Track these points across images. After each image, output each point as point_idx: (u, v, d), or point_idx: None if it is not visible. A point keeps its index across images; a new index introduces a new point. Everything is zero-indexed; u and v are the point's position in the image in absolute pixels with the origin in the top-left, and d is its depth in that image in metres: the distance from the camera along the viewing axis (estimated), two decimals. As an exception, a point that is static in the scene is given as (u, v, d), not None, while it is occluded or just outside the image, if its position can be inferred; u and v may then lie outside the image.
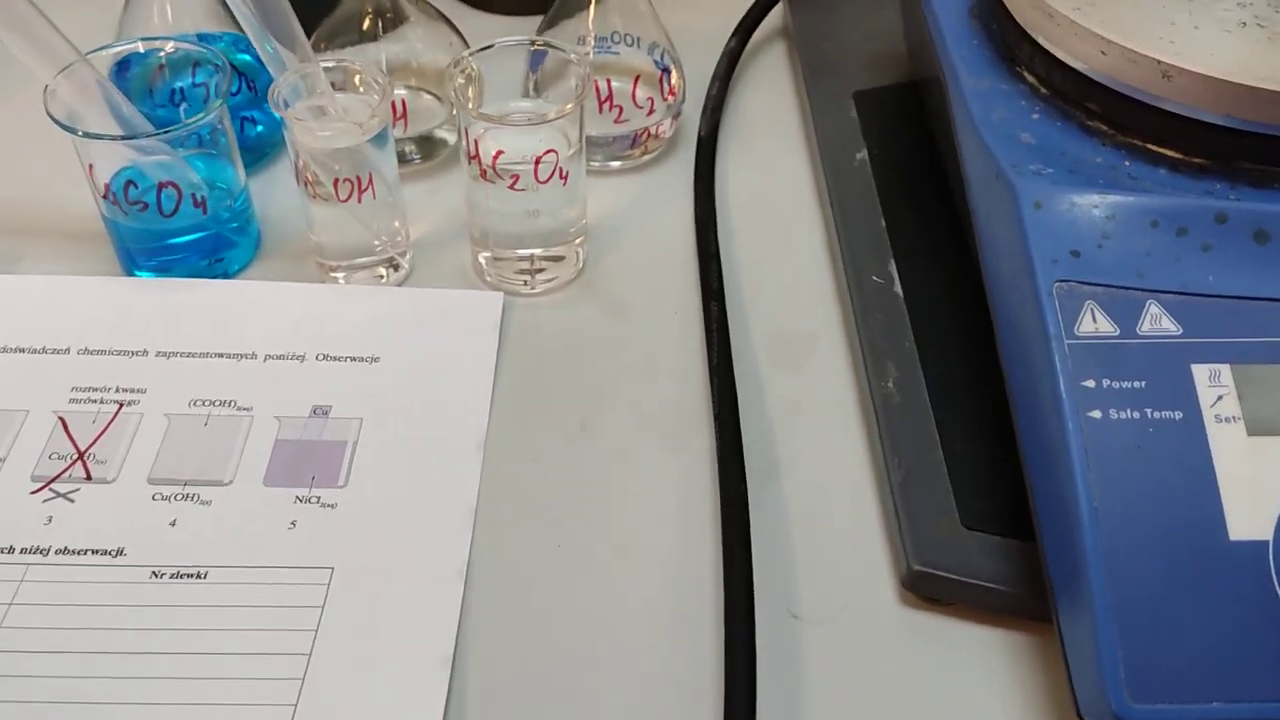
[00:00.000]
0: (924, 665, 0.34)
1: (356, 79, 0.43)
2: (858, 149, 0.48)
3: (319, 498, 0.38)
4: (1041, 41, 0.36)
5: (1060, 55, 0.35)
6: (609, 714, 0.33)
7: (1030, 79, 0.37)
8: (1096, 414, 0.30)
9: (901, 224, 0.45)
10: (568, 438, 0.40)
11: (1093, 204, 0.32)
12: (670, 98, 0.50)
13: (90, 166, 0.42)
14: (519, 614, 0.35)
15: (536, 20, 0.52)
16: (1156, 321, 0.31)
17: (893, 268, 0.43)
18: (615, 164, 0.51)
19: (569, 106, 0.41)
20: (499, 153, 0.41)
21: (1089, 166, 0.34)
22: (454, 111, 0.45)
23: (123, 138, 0.42)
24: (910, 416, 0.38)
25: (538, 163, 0.41)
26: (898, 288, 0.42)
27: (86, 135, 0.41)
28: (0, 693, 0.33)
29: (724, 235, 0.48)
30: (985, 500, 0.35)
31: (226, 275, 0.46)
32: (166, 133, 0.42)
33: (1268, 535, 0.29)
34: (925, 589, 0.35)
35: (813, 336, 0.44)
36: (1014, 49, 0.38)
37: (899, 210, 0.45)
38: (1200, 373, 0.30)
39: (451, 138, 0.51)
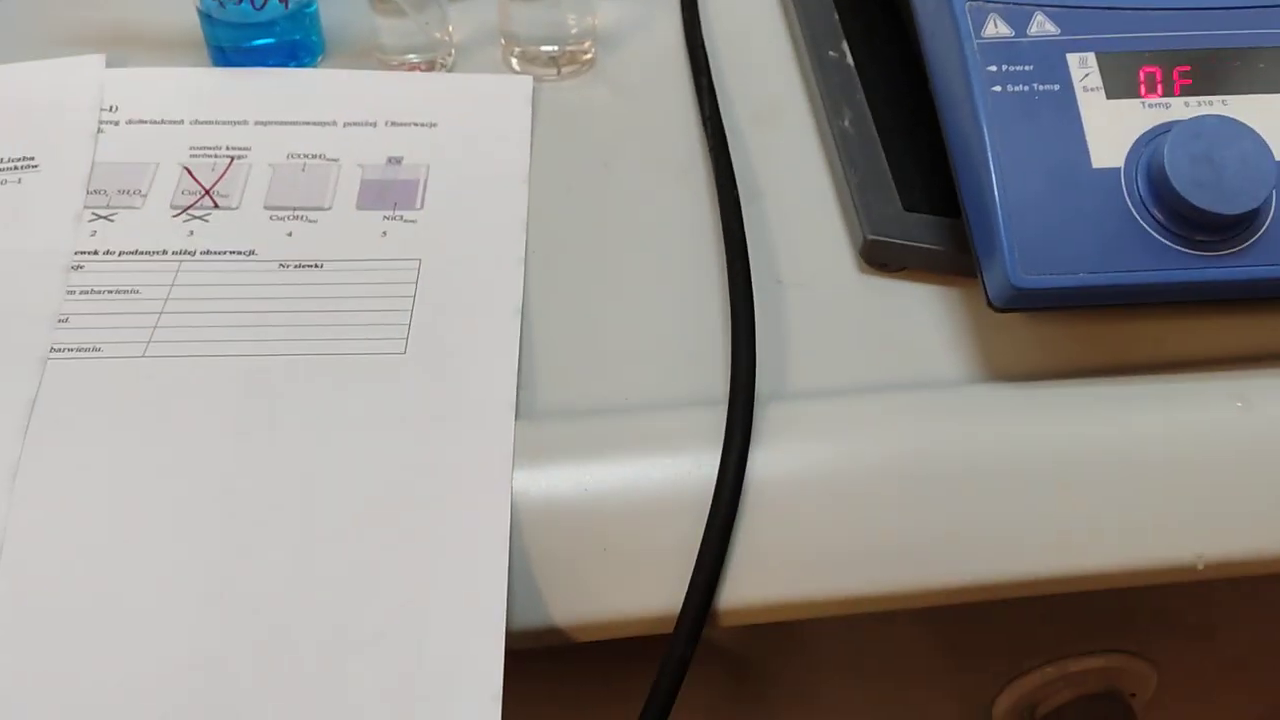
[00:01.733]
0: (879, 313, 0.45)
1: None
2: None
3: (402, 216, 0.48)
4: None
5: None
6: (645, 345, 0.44)
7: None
8: (998, 89, 0.41)
9: (850, 13, 0.56)
10: (595, 174, 0.51)
11: (994, -55, 0.43)
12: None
13: (198, -34, 0.51)
14: (566, 286, 0.46)
15: None
16: (1041, 26, 0.42)
17: (845, 45, 0.54)
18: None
19: (585, -86, 0.52)
20: (530, -48, 0.51)
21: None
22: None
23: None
24: (862, 142, 0.49)
25: (561, -38, 0.52)
26: (849, 60, 0.53)
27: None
28: (172, 338, 0.43)
29: (707, 28, 0.58)
30: (920, 191, 0.46)
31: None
32: (259, -61, 0.51)
33: (1119, 164, 0.40)
34: (876, 256, 0.46)
35: (781, 99, 0.55)
36: None
37: (848, 4, 0.56)
38: (1073, 59, 0.41)
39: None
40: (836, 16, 0.56)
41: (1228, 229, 0.39)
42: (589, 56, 0.57)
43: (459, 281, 0.45)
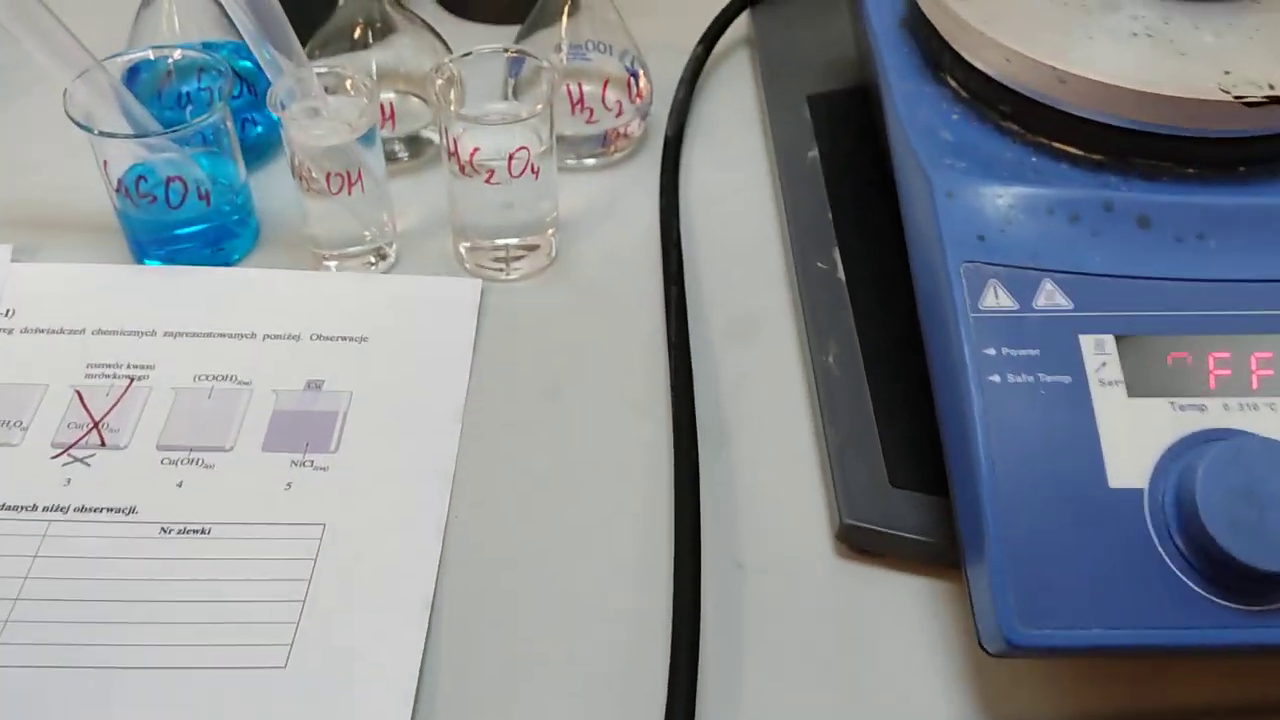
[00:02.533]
0: (854, 608, 0.38)
1: (347, 83, 0.47)
2: (809, 148, 0.52)
3: (312, 461, 0.42)
4: (959, 50, 0.40)
5: (974, 62, 0.39)
6: (571, 648, 0.37)
7: (952, 83, 0.41)
8: (996, 378, 0.34)
9: (845, 216, 0.49)
10: (540, 406, 0.44)
11: (997, 194, 0.36)
12: (638, 100, 0.54)
13: (105, 163, 0.46)
14: (491, 561, 0.39)
15: (516, 28, 0.56)
16: (1050, 297, 0.35)
17: (836, 255, 0.47)
18: (589, 161, 0.55)
19: (539, 107, 0.45)
20: (475, 150, 0.45)
21: (999, 162, 0.38)
22: (437, 113, 0.49)
23: (134, 136, 0.46)
24: (847, 388, 0.42)
25: (511, 159, 0.45)
26: (840, 273, 0.46)
27: (102, 134, 0.45)
28: (24, 635, 0.37)
29: (685, 226, 0.52)
30: (911, 461, 0.39)
31: (228, 263, 0.50)
32: (175, 131, 0.46)
33: (1143, 484, 0.33)
34: (856, 541, 0.39)
35: (762, 316, 0.48)
36: (937, 56, 0.42)
37: (844, 204, 0.49)
38: (1087, 342, 0.34)
39: (436, 137, 0.55)
40: (830, 217, 0.49)
41: (1274, 583, 0.31)
42: (551, 253, 0.50)
43: (365, 561, 0.39)
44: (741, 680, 0.36)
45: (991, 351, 0.34)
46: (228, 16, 0.53)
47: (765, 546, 0.40)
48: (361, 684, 0.36)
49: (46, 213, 0.52)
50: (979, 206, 0.36)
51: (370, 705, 0.35)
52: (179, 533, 0.40)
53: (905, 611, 0.38)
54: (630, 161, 0.56)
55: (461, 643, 0.37)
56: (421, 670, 0.36)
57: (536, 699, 0.36)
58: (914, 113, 0.40)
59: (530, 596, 0.39)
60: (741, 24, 0.62)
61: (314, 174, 0.46)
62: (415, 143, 0.55)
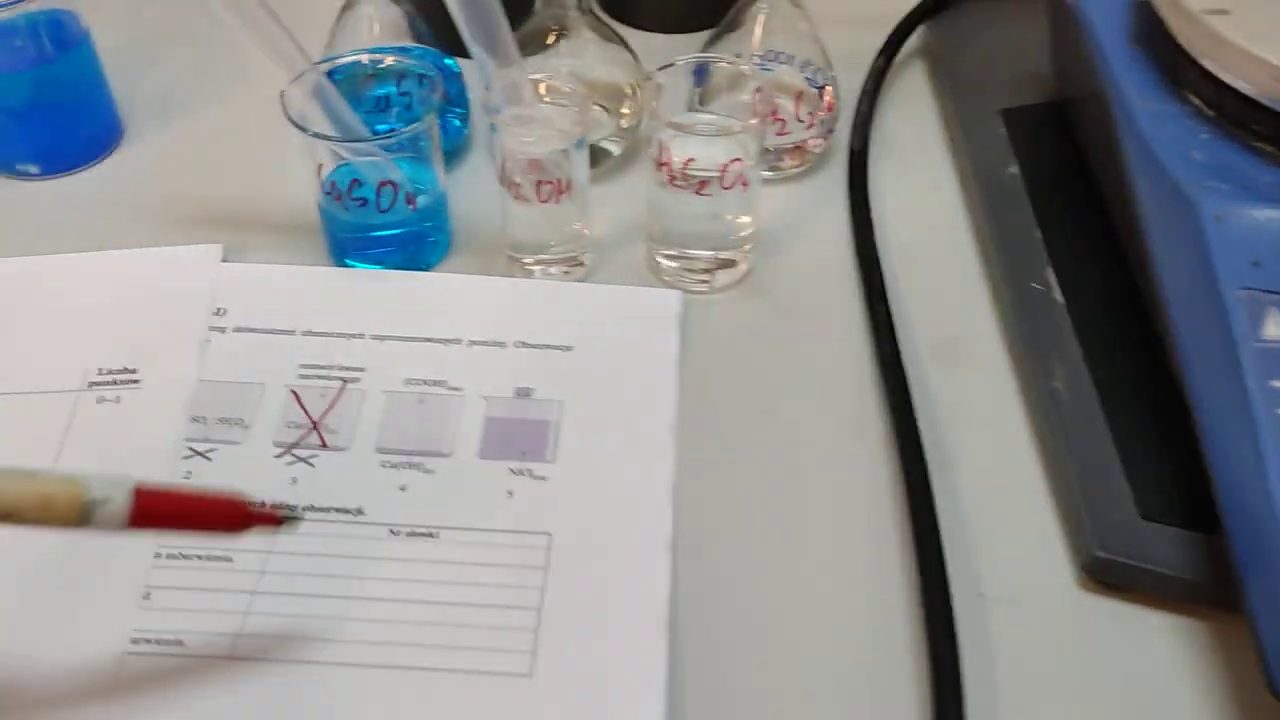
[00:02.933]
0: (1106, 645, 0.37)
1: (548, 89, 0.47)
2: (1009, 164, 0.51)
3: (530, 470, 0.42)
4: (1209, 67, 0.39)
5: (1232, 80, 0.38)
6: (815, 675, 0.37)
7: (1195, 101, 0.40)
8: (1280, 411, 0.33)
9: (1056, 235, 0.48)
10: (751, 423, 0.44)
11: (1269, 217, 0.35)
12: (827, 113, 0.54)
13: (320, 165, 0.46)
14: (723, 584, 0.39)
15: (691, 37, 0.55)
16: (1332, 327, 0.34)
17: (1050, 275, 0.46)
18: (766, 174, 0.55)
19: (754, 121, 0.45)
20: (689, 160, 0.45)
21: (1259, 183, 0.37)
22: (645, 120, 0.49)
23: (350, 140, 0.46)
24: (1080, 413, 0.41)
25: (724, 170, 0.45)
26: (1056, 294, 0.45)
27: (316, 136, 0.45)
28: (263, 628, 0.37)
29: (879, 242, 0.51)
30: (1162, 493, 0.38)
31: (424, 268, 0.50)
32: (388, 137, 0.46)
33: None
34: (1106, 575, 0.38)
35: (967, 338, 0.47)
36: (1178, 73, 0.41)
37: (1054, 222, 0.48)
38: (1374, 373, 0.33)
39: (615, 149, 0.55)
40: (1039, 235, 0.48)
41: None
42: (746, 265, 0.50)
43: (596, 574, 0.39)
44: (996, 713, 0.35)
45: (1277, 384, 0.33)
46: (420, 25, 0.54)
47: (1004, 576, 0.39)
48: (611, 697, 0.35)
49: (247, 213, 0.52)
50: (1252, 230, 0.35)
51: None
52: (408, 535, 0.40)
53: (1163, 650, 0.37)
54: (812, 176, 0.55)
55: (702, 663, 0.37)
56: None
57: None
58: (1160, 132, 0.39)
59: (765, 617, 0.38)
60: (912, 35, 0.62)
61: (522, 181, 0.46)
62: (595, 153, 0.55)
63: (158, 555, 0.39)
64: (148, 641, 0.37)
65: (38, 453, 0.42)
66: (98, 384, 0.44)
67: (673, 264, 0.49)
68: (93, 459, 0.42)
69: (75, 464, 0.40)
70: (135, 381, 0.44)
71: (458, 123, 0.55)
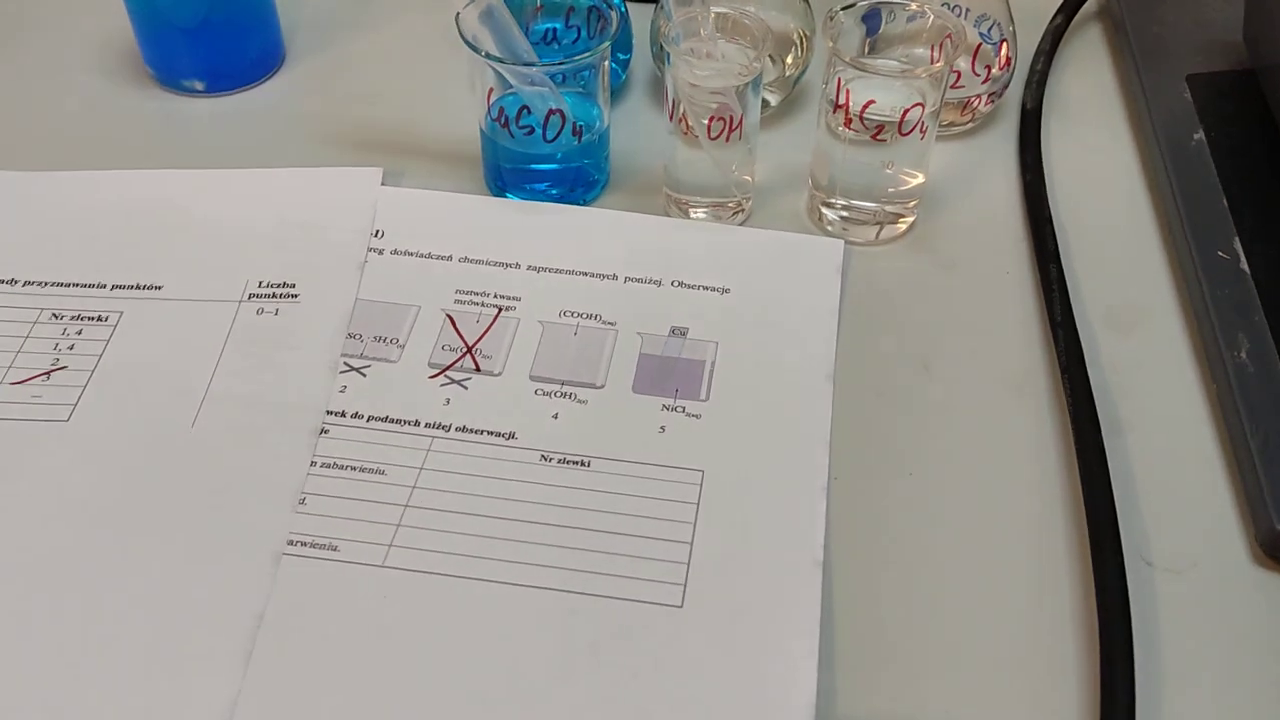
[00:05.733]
0: (1276, 623, 0.35)
1: (730, 25, 0.46)
2: (1194, 130, 0.49)
3: (684, 408, 0.41)
4: None
5: None
6: (972, 633, 0.35)
7: None
8: None
9: (1243, 205, 0.45)
10: (912, 376, 0.43)
11: None
12: (1003, 69, 0.52)
13: (489, 91, 0.46)
14: (877, 532, 0.38)
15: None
16: None
17: (1238, 245, 0.44)
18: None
19: (938, 64, 0.43)
20: (869, 102, 0.44)
21: None
22: (827, 60, 0.47)
23: (524, 64, 0.45)
24: (1266, 385, 0.39)
25: (904, 115, 0.44)
26: (1244, 264, 0.43)
27: (489, 57, 0.45)
28: (415, 541, 0.37)
29: (1050, 204, 0.49)
30: (1349, 470, 0.36)
31: (581, 204, 0.49)
32: (560, 65, 0.45)
33: None
34: (1283, 549, 0.36)
35: (1144, 304, 0.45)
36: None
37: (1241, 191, 0.46)
38: None
39: (774, 99, 0.54)
40: (1226, 204, 0.45)
41: None
42: (911, 220, 0.48)
43: (748, 513, 0.38)
44: (1162, 683, 0.34)
45: None
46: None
47: (1174, 545, 0.37)
48: (766, 635, 0.35)
49: (405, 139, 0.52)
50: None
51: (778, 658, 0.34)
52: (559, 462, 0.39)
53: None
54: (979, 134, 0.53)
55: (854, 609, 0.36)
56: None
57: (944, 688, 0.34)
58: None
59: (921, 572, 0.37)
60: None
61: (693, 117, 0.45)
62: (756, 101, 0.54)
63: (313, 464, 0.39)
64: (303, 544, 0.37)
65: (198, 359, 0.42)
66: (257, 296, 0.45)
67: (837, 215, 0.48)
68: (251, 367, 0.42)
69: (234, 370, 0.41)
70: (294, 296, 0.45)
71: (616, 67, 0.54)
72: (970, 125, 0.53)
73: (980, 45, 0.51)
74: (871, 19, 0.50)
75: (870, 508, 0.39)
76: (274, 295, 0.45)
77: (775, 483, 0.39)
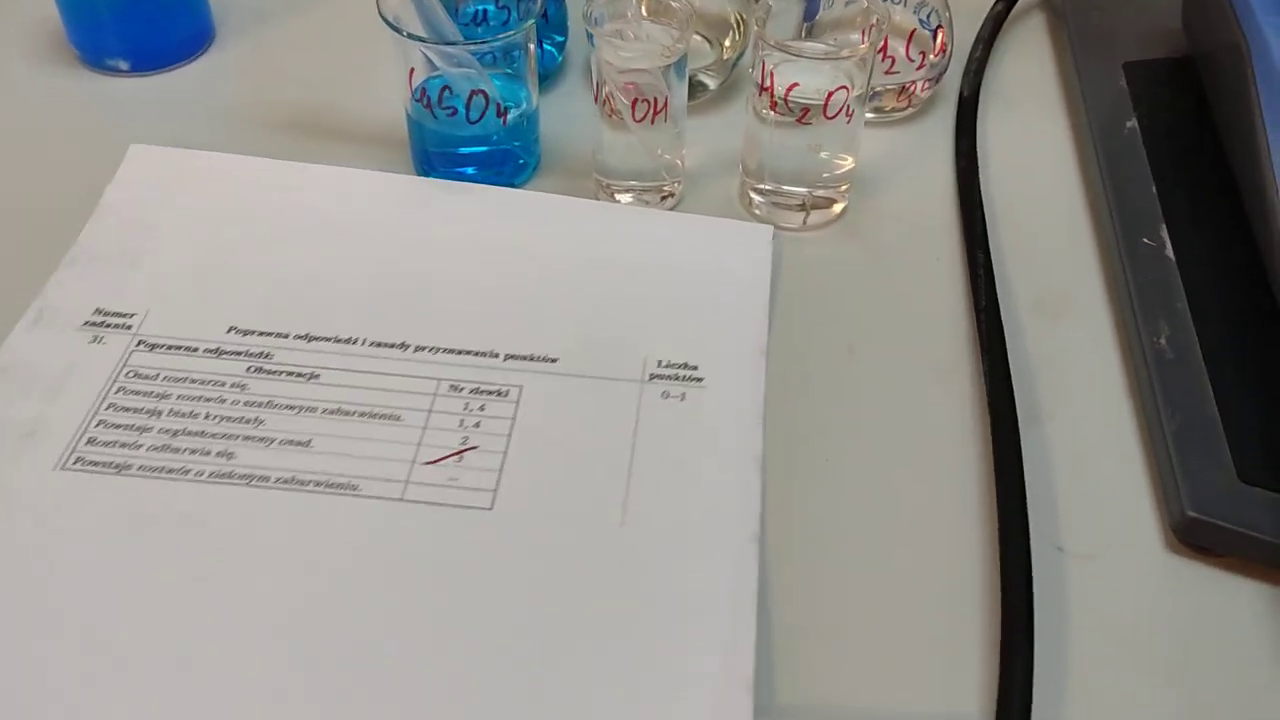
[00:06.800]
0: (1193, 609, 0.35)
1: (653, 7, 0.45)
2: (1127, 118, 0.49)
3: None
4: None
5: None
6: (887, 620, 0.35)
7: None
8: None
9: (1172, 192, 0.45)
10: (837, 361, 0.42)
11: None
12: (939, 55, 0.51)
13: (411, 71, 0.45)
14: (796, 514, 0.37)
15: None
16: None
17: (1164, 232, 0.44)
18: (871, 116, 0.52)
19: (864, 46, 0.43)
20: (793, 85, 0.43)
21: None
22: (751, 45, 0.47)
23: (442, 43, 0.45)
24: (1183, 372, 0.39)
25: (829, 98, 0.43)
26: (1169, 251, 0.43)
27: (410, 37, 0.44)
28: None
29: (983, 191, 0.49)
30: (1263, 458, 0.36)
31: (511, 186, 0.49)
32: (481, 44, 0.45)
33: None
34: (1198, 538, 0.36)
35: (1072, 291, 0.45)
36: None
37: (1171, 178, 0.46)
38: None
39: (712, 83, 0.53)
40: (1155, 190, 0.45)
41: None
42: (842, 206, 0.48)
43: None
44: (1067, 667, 0.34)
45: None
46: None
47: (1087, 531, 0.37)
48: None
49: (333, 121, 0.51)
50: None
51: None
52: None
53: (1247, 618, 0.35)
54: (916, 121, 0.53)
55: (772, 589, 0.35)
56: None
57: (849, 671, 0.34)
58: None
59: (837, 555, 0.36)
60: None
61: (617, 100, 0.44)
62: (692, 86, 0.53)
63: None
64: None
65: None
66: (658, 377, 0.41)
67: (766, 200, 0.47)
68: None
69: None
70: (698, 380, 0.41)
71: (552, 48, 0.54)
72: (909, 111, 0.53)
73: (915, 30, 0.51)
74: (811, 2, 0.50)
75: (792, 491, 0.38)
76: (676, 378, 0.41)
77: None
